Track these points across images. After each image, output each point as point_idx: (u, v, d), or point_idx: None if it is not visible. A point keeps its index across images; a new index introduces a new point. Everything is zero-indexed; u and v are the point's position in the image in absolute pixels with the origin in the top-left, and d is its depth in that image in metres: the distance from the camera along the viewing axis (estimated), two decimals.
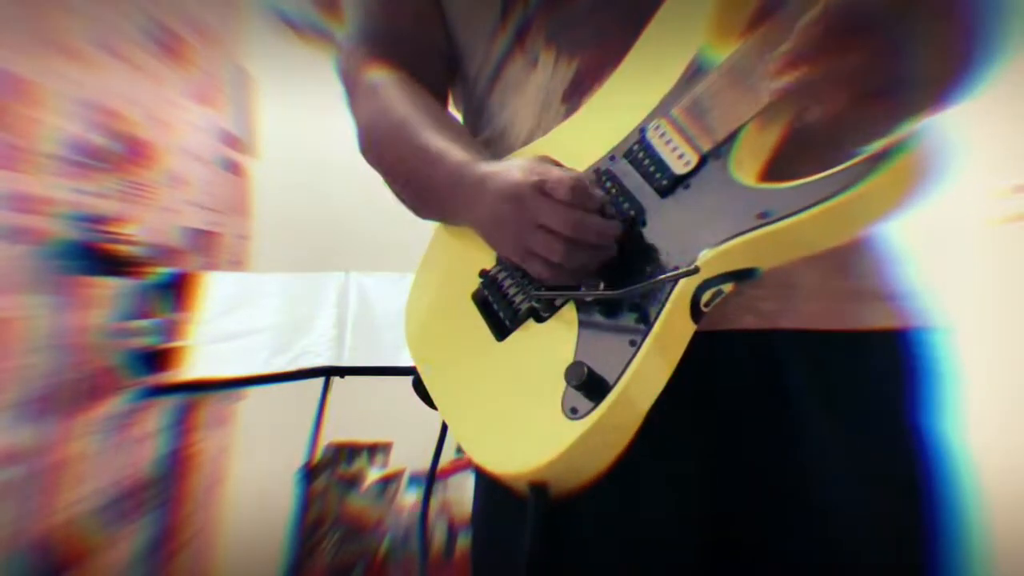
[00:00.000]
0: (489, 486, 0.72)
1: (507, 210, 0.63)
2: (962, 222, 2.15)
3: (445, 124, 0.76)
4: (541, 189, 0.61)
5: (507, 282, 0.67)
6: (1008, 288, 2.15)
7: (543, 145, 0.71)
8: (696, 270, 0.54)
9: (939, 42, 0.56)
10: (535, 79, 0.75)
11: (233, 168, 2.49)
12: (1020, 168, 2.19)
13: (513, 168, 0.64)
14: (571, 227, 0.59)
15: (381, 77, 0.82)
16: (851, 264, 0.67)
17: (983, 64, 0.60)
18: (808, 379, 0.65)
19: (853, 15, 0.49)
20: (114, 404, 1.74)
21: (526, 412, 0.60)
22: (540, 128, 0.74)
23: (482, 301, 0.69)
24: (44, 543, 1.48)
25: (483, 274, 0.69)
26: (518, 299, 0.65)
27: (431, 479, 0.82)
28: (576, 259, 0.60)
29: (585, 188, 0.61)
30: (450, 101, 0.91)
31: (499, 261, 0.69)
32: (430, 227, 0.82)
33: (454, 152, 0.71)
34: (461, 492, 2.03)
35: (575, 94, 0.72)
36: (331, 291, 1.78)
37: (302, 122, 2.56)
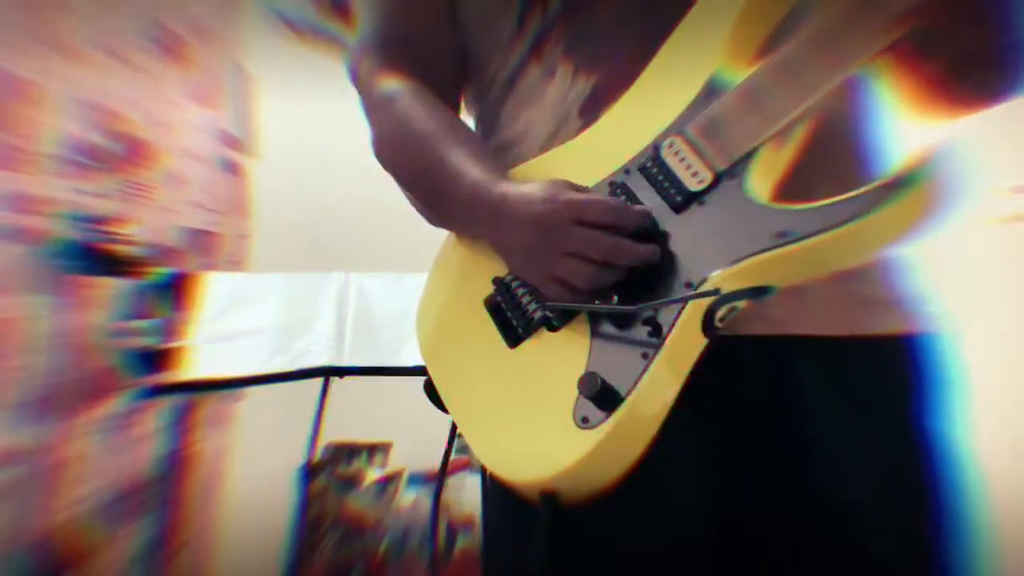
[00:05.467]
0: (498, 490, 0.72)
1: (534, 237, 0.63)
2: (962, 223, 2.15)
3: (463, 138, 0.76)
4: (575, 218, 0.61)
5: (520, 290, 0.67)
6: (1009, 289, 2.15)
7: (558, 156, 0.72)
8: (715, 292, 0.55)
9: None
10: (552, 90, 0.75)
11: (232, 168, 2.48)
12: (1019, 169, 2.19)
13: (534, 192, 0.64)
14: (606, 253, 0.60)
15: (397, 87, 0.82)
16: (860, 270, 0.67)
17: None
18: (818, 384, 0.66)
19: None
20: (114, 404, 1.74)
21: (538, 420, 0.60)
22: (556, 139, 0.74)
23: (495, 307, 0.69)
24: (44, 543, 1.48)
25: (496, 281, 0.69)
26: (531, 308, 0.66)
27: (440, 482, 0.82)
28: (601, 282, 0.61)
29: (624, 207, 0.62)
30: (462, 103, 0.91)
31: None
32: (430, 228, 0.82)
33: (472, 169, 0.71)
34: (459, 492, 2.03)
35: (592, 109, 0.72)
36: (330, 291, 1.78)
37: (301, 122, 2.56)
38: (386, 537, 2.02)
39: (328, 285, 1.79)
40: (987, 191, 2.02)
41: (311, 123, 2.50)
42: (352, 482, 2.12)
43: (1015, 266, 2.17)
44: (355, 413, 1.97)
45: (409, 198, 0.81)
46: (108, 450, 1.72)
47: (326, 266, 1.85)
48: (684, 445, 0.64)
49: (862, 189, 0.51)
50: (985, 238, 2.21)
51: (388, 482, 2.13)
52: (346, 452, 2.18)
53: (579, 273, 0.61)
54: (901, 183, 0.49)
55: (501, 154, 0.80)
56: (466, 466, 2.00)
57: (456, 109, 0.88)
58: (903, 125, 0.69)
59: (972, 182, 0.48)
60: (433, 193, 0.77)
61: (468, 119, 0.88)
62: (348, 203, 2.34)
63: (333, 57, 2.37)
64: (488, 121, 0.84)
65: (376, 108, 0.84)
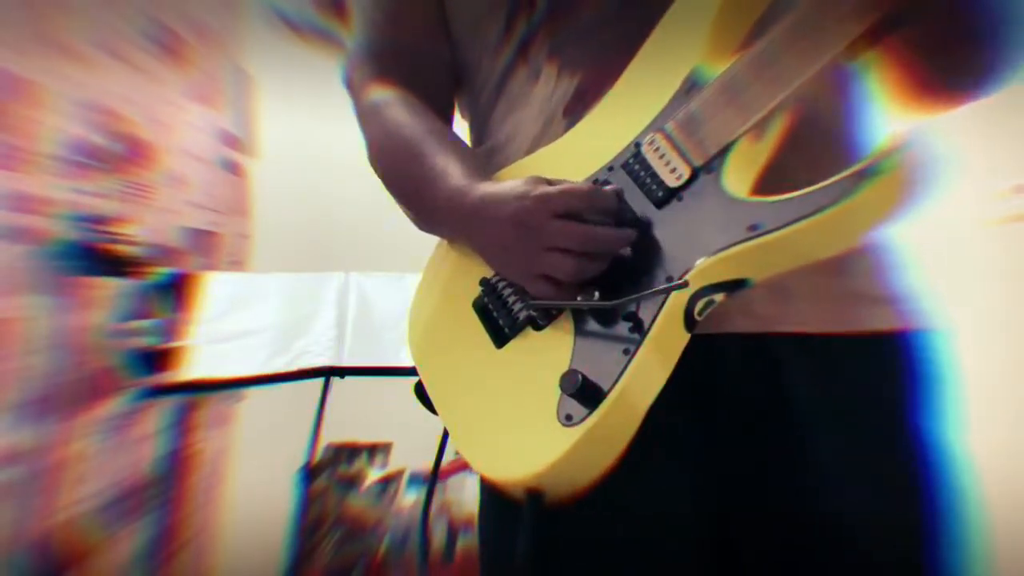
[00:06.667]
0: (488, 490, 0.72)
1: (512, 236, 0.63)
2: (962, 223, 2.15)
3: (445, 143, 0.77)
4: (549, 211, 0.61)
5: (507, 290, 0.67)
6: (1008, 288, 2.15)
7: (543, 156, 0.72)
8: (686, 284, 0.55)
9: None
10: (537, 92, 0.76)
11: (233, 168, 2.49)
12: (1019, 169, 2.19)
13: (508, 191, 0.64)
14: (583, 243, 0.60)
15: (386, 96, 0.83)
16: (849, 266, 0.67)
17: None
18: (807, 381, 0.65)
19: None
20: (114, 404, 1.74)
21: (522, 419, 0.60)
22: (543, 140, 0.74)
23: (482, 309, 0.69)
24: (44, 543, 1.48)
25: (483, 282, 0.70)
26: (517, 307, 0.66)
27: (433, 482, 0.82)
28: (586, 273, 0.60)
29: (595, 189, 0.62)
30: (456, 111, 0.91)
31: None
32: None
33: (453, 173, 0.71)
34: (460, 492, 2.03)
35: (576, 108, 0.72)
36: (331, 291, 1.78)
37: (302, 122, 2.56)
38: (386, 537, 2.03)
39: (328, 285, 1.80)
40: (963, 181, 2.01)
41: (311, 123, 2.51)
42: (352, 482, 2.12)
43: (1015, 266, 2.16)
44: (355, 413, 1.97)
45: (399, 205, 0.81)
46: (108, 450, 1.73)
47: (326, 266, 1.85)
48: (672, 445, 0.64)
49: (833, 179, 0.50)
50: (985, 238, 2.21)
51: (388, 482, 2.14)
52: (346, 452, 2.18)
53: (561, 266, 0.60)
54: (871, 171, 0.49)
55: (492, 157, 0.80)
56: (467, 466, 2.00)
57: (448, 117, 0.89)
58: (884, 117, 0.69)
59: (944, 169, 0.48)
60: (416, 199, 0.77)
61: (462, 127, 0.89)
62: (348, 203, 2.33)
63: (333, 57, 2.37)
64: (480, 126, 0.85)
65: (366, 117, 0.85)
